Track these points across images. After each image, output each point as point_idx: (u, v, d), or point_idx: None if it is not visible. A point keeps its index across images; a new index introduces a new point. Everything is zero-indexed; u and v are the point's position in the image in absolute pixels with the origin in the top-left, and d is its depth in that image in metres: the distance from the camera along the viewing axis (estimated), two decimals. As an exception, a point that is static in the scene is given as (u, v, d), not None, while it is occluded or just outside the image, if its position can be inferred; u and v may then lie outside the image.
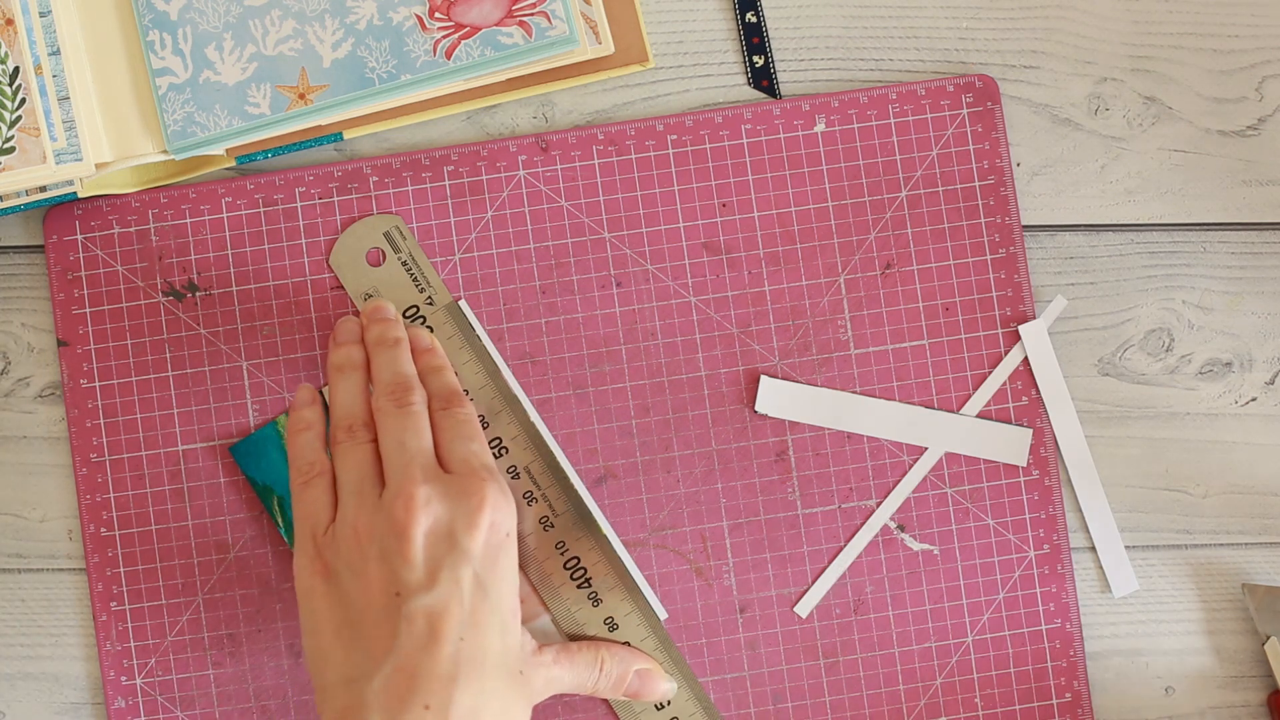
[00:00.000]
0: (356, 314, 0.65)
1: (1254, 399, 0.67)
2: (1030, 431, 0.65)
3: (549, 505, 0.64)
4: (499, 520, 0.57)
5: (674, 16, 0.66)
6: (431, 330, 0.64)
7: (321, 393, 0.63)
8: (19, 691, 0.65)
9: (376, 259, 0.65)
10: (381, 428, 0.59)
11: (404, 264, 0.65)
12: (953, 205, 0.66)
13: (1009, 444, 0.65)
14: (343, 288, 0.65)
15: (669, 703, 0.64)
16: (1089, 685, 0.66)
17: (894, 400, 0.65)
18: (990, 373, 0.66)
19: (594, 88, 0.66)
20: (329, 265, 0.65)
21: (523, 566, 0.63)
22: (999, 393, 0.65)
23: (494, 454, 0.64)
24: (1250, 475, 0.66)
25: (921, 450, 0.65)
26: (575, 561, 0.63)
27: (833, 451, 0.65)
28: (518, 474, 0.64)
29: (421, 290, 0.65)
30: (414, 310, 0.64)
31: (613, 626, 0.63)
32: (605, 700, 0.65)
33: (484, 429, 0.64)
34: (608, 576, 0.63)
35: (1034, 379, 0.65)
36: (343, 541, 0.57)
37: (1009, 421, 0.65)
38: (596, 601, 0.63)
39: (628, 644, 0.63)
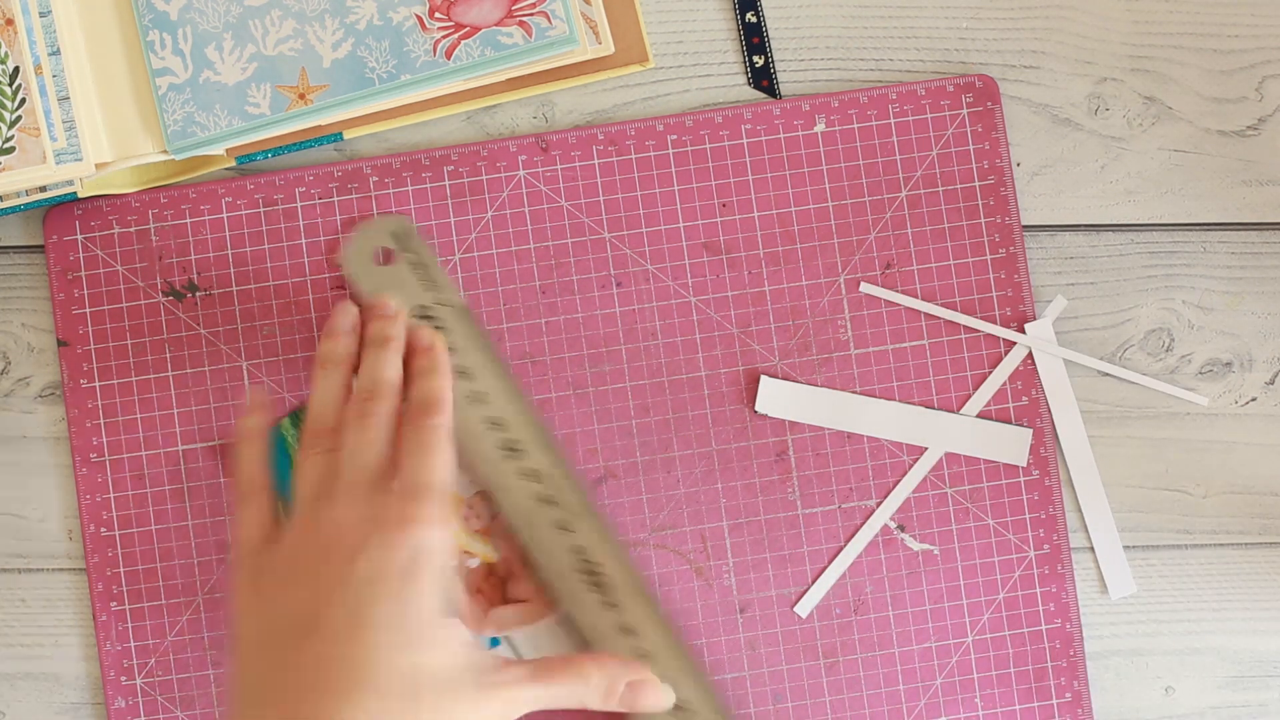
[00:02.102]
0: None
1: (1254, 399, 0.67)
2: (1030, 431, 0.65)
3: (562, 510, 0.63)
4: (423, 542, 0.56)
5: (674, 16, 0.66)
6: (439, 329, 0.63)
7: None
8: (19, 691, 0.65)
9: (386, 259, 0.65)
10: (345, 434, 0.58)
11: (413, 264, 0.64)
12: (953, 205, 0.66)
13: (1009, 444, 0.65)
14: (344, 287, 0.65)
15: (676, 708, 0.62)
16: (1089, 685, 0.65)
17: (894, 400, 0.65)
18: (990, 373, 0.66)
19: (594, 88, 0.66)
20: (338, 265, 0.65)
21: (532, 569, 0.63)
22: (999, 393, 0.65)
23: (511, 457, 0.63)
24: (1250, 475, 0.66)
25: (921, 450, 0.65)
26: (587, 565, 0.63)
27: (833, 451, 0.65)
28: (539, 478, 0.63)
29: (431, 291, 0.64)
30: (422, 311, 0.64)
31: (627, 631, 0.62)
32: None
33: (500, 431, 0.63)
34: (619, 580, 0.63)
35: (1035, 379, 0.65)
36: (280, 563, 0.56)
37: (1009, 421, 0.65)
38: (609, 606, 0.62)
39: (643, 655, 0.62)
